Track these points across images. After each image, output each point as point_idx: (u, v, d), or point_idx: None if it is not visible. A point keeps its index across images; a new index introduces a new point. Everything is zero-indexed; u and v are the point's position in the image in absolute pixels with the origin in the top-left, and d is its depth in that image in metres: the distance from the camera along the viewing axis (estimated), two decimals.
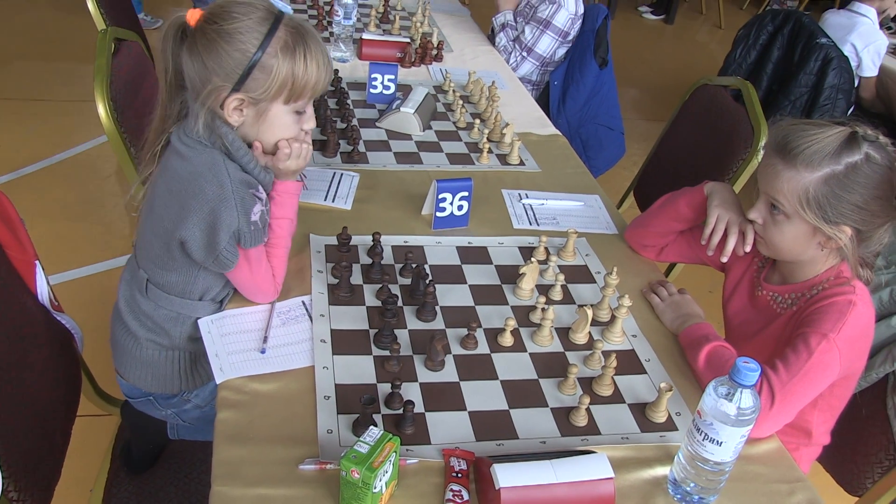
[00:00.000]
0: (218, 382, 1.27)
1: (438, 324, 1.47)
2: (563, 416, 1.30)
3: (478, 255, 1.70)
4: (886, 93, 3.83)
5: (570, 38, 2.96)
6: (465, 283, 1.60)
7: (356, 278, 1.55)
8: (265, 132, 1.37)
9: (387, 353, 1.36)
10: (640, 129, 4.46)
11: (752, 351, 1.47)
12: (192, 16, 1.31)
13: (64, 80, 4.31)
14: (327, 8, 2.98)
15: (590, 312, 1.46)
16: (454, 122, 2.32)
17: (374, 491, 1.03)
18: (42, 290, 1.43)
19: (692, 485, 1.16)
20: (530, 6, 2.99)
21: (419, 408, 1.27)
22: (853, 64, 3.64)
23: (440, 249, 1.70)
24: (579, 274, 1.69)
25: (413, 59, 2.72)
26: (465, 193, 1.75)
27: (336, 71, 2.39)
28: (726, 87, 2.33)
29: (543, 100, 3.02)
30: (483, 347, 1.43)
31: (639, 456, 1.25)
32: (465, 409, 1.29)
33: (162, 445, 1.62)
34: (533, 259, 1.58)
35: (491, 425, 1.26)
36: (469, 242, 1.74)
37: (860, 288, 1.40)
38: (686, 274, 2.23)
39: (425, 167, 2.05)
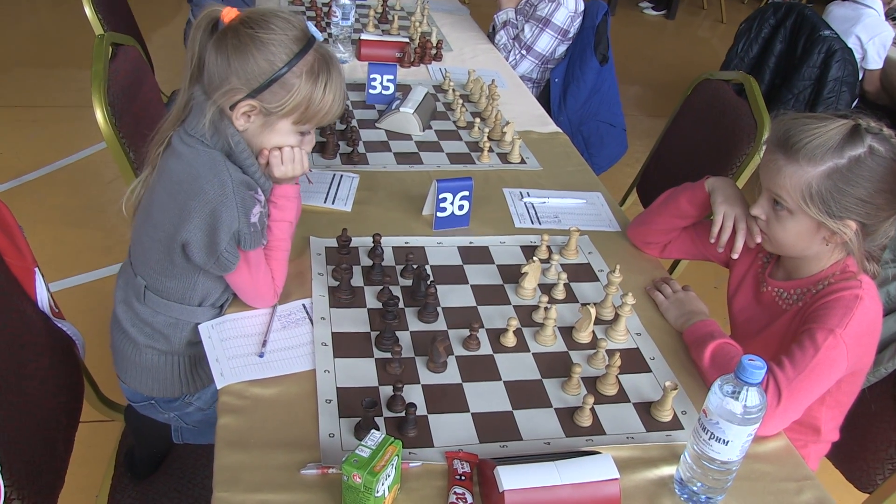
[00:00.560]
0: (219, 388, 1.26)
1: (440, 325, 1.46)
2: (567, 416, 1.29)
3: (479, 255, 1.69)
4: (891, 85, 3.81)
5: (571, 35, 2.94)
6: (467, 283, 1.59)
7: (357, 280, 1.54)
8: (265, 143, 1.38)
9: (388, 355, 1.35)
10: (643, 126, 4.45)
11: (758, 347, 1.47)
12: (228, 14, 1.32)
13: (63, 86, 4.31)
14: (325, 9, 2.97)
15: (593, 311, 1.45)
16: (454, 122, 2.31)
17: (377, 495, 1.02)
18: (42, 297, 1.42)
19: (699, 484, 1.14)
20: (530, 4, 2.98)
21: (421, 410, 1.26)
22: (858, 56, 3.61)
23: (441, 250, 1.69)
24: (582, 272, 1.68)
25: (412, 59, 2.71)
26: (466, 193, 1.74)
27: None
28: (728, 82, 2.31)
29: (544, 97, 3.01)
30: (485, 348, 1.42)
31: (644, 456, 1.23)
32: (468, 411, 1.27)
33: (165, 450, 1.61)
34: (535, 258, 1.57)
35: (494, 427, 1.25)
36: (470, 242, 1.73)
37: (867, 282, 1.39)
38: (690, 270, 2.22)
39: (426, 167, 2.04)
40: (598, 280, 1.66)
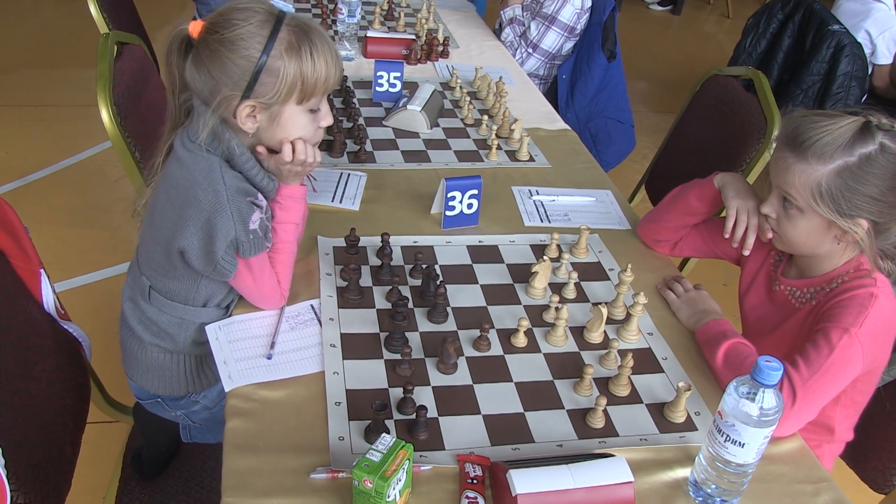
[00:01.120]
0: (227, 390, 1.25)
1: (450, 325, 1.45)
2: (579, 417, 1.27)
3: (489, 254, 1.67)
4: None
5: (578, 32, 2.92)
6: (477, 282, 1.57)
7: (365, 280, 1.52)
8: (281, 135, 1.35)
9: (398, 356, 1.34)
10: (650, 122, 4.42)
11: (770, 346, 1.45)
12: (195, 28, 1.29)
13: (68, 85, 4.30)
14: (331, 6, 2.96)
15: (605, 311, 1.43)
16: (462, 119, 2.29)
17: (388, 500, 1.01)
18: (48, 298, 1.41)
19: (713, 487, 1.13)
20: (537, 1, 2.96)
21: (432, 412, 1.24)
22: (867, 51, 3.58)
23: (450, 249, 1.67)
24: (592, 271, 1.66)
25: (419, 56, 2.69)
26: (475, 191, 1.72)
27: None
28: (737, 78, 2.29)
29: (551, 94, 2.99)
30: (496, 349, 1.40)
31: (658, 458, 1.22)
32: (479, 413, 1.26)
33: (173, 449, 1.60)
34: (545, 257, 1.55)
35: (506, 429, 1.24)
36: (480, 241, 1.71)
37: (881, 280, 1.37)
38: (700, 267, 2.20)
39: (434, 165, 2.02)
40: (609, 279, 1.64)
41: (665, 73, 5.61)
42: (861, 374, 1.35)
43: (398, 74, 2.34)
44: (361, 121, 2.17)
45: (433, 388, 1.30)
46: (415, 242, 1.68)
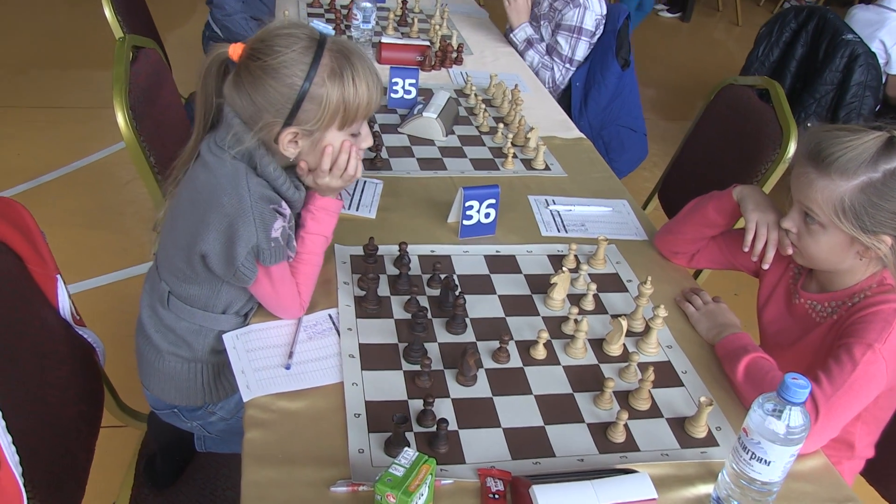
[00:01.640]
0: (245, 400, 1.24)
1: (469, 336, 1.43)
2: (600, 431, 1.26)
3: (506, 264, 1.66)
4: None
5: (596, 38, 2.91)
6: (495, 293, 1.56)
7: (383, 290, 1.51)
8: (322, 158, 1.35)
9: (417, 367, 1.33)
10: (659, 129, 4.41)
11: (790, 360, 1.44)
12: (235, 51, 1.29)
13: (80, 87, 4.31)
14: (345, 12, 2.95)
15: (625, 324, 1.41)
16: (477, 127, 2.28)
17: None
18: (64, 304, 1.41)
19: None
20: (554, 9, 2.93)
21: (452, 425, 1.23)
22: (881, 61, 3.56)
23: (468, 258, 1.66)
24: (610, 282, 1.65)
25: (433, 63, 2.68)
26: (493, 201, 1.71)
27: None
28: (752, 87, 2.28)
29: (565, 102, 2.98)
30: (515, 361, 1.39)
31: (680, 473, 1.20)
32: (500, 426, 1.25)
33: (187, 459, 1.59)
34: (564, 269, 1.54)
35: (526, 442, 1.22)
36: (497, 251, 1.70)
37: None
38: (712, 277, 2.18)
39: (449, 173, 2.01)
40: (627, 290, 1.63)
41: (674, 80, 5.59)
42: (884, 390, 1.33)
43: (413, 81, 2.33)
44: (377, 128, 2.16)
45: (453, 400, 1.29)
46: (432, 251, 1.67)
